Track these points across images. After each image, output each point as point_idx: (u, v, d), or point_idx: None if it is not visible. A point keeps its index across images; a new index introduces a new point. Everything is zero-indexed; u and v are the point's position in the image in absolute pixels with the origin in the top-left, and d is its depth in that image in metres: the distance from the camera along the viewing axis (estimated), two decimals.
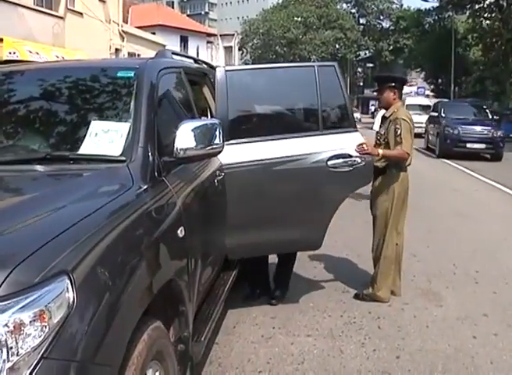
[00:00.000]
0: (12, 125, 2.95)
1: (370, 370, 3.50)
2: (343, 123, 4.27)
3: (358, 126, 4.65)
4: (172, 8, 73.39)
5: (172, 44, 34.71)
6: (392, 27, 63.29)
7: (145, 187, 2.43)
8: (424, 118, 21.29)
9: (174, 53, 3.93)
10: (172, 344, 2.52)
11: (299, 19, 60.48)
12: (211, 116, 4.16)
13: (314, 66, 4.20)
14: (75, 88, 3.11)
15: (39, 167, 2.52)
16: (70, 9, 19.55)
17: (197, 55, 35.57)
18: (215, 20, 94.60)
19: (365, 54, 67.86)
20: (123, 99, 2.97)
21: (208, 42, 46.87)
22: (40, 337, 1.53)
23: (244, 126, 4.16)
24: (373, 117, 26.64)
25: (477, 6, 35.12)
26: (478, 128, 17.06)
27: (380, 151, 4.43)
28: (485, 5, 34.67)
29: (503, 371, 3.51)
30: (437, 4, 41.07)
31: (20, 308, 1.51)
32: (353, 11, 68.20)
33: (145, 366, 2.02)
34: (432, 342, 3.91)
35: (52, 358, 1.54)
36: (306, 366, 3.55)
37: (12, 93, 3.16)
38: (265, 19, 62.41)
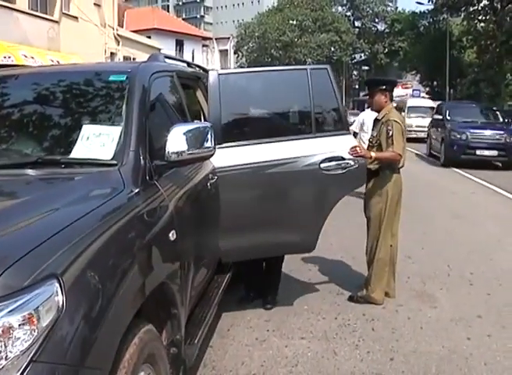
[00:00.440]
0: (3, 129, 2.95)
1: (363, 372, 3.51)
2: (335, 125, 4.29)
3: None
4: (168, 11, 73.48)
5: (168, 47, 34.74)
6: (387, 30, 63.44)
7: (136, 190, 2.43)
8: (428, 121, 19.31)
9: (167, 57, 3.94)
10: (165, 347, 2.52)
11: (294, 22, 60.57)
12: (205, 120, 4.16)
13: (306, 69, 4.22)
14: (67, 92, 3.11)
15: (30, 171, 2.53)
16: (65, 13, 19.54)
17: (193, 59, 35.63)
18: (211, 24, 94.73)
19: (360, 57, 68.00)
20: (115, 103, 2.98)
21: (203, 46, 46.86)
22: (29, 340, 1.54)
23: (237, 130, 4.17)
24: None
25: (471, 9, 35.27)
26: (489, 132, 15.14)
27: (373, 153, 4.45)
28: (480, 8, 34.81)
29: (497, 372, 3.53)
30: (432, 6, 41.20)
31: (9, 311, 1.52)
32: (349, 14, 68.32)
33: (136, 369, 2.02)
34: (426, 344, 3.92)
35: (41, 362, 1.54)
36: (300, 368, 3.56)
37: (4, 97, 3.16)
38: (261, 23, 62.48)
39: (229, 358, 3.69)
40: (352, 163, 4.10)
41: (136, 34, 29.90)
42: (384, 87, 4.73)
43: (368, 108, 10.99)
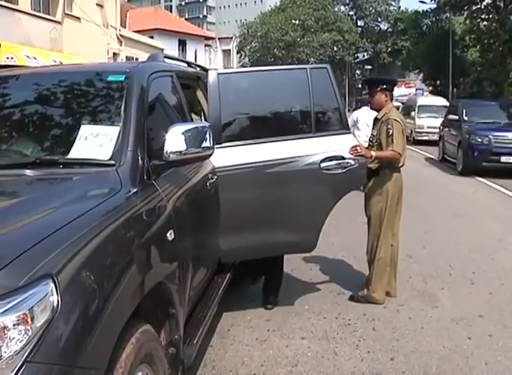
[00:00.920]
0: (2, 129, 2.95)
1: (364, 372, 3.50)
2: (335, 124, 4.27)
3: None
4: (170, 12, 73.57)
5: (171, 47, 34.76)
6: (390, 29, 63.38)
7: (134, 190, 2.43)
8: (440, 122, 16.75)
9: (166, 57, 3.94)
10: (163, 347, 2.52)
11: (297, 21, 60.60)
12: (205, 120, 4.16)
13: (306, 69, 4.20)
14: (65, 93, 3.11)
15: (28, 171, 2.53)
16: (68, 14, 19.58)
17: (195, 59, 35.64)
18: (213, 24, 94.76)
19: (363, 56, 67.97)
20: (114, 103, 2.98)
21: (206, 45, 46.88)
22: (23, 340, 1.54)
23: (237, 129, 4.17)
24: None
25: (474, 7, 35.12)
26: None
27: (373, 152, 4.44)
28: (483, 7, 34.66)
29: (498, 372, 3.51)
30: (434, 5, 41.09)
31: (3, 311, 1.52)
32: (351, 13, 68.33)
33: (133, 369, 2.02)
34: (427, 343, 3.91)
35: (35, 362, 1.54)
36: (300, 368, 3.55)
37: (3, 98, 3.16)
38: (263, 22, 62.52)
39: (229, 358, 3.69)
40: (352, 163, 4.09)
41: (139, 35, 29.97)
42: (384, 86, 4.72)
43: (360, 107, 11.00)
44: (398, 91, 41.04)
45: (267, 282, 4.69)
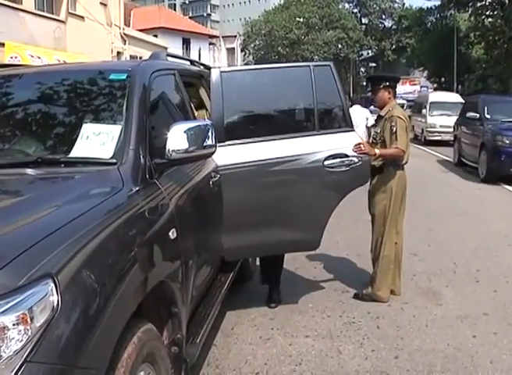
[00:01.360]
0: (3, 128, 2.95)
1: (368, 371, 3.49)
2: (339, 122, 4.25)
3: None
4: (174, 10, 73.52)
5: (175, 46, 34.76)
6: (394, 26, 63.16)
7: (136, 189, 2.42)
8: (455, 120, 15.03)
9: (169, 55, 3.93)
10: (166, 346, 2.51)
11: (301, 19, 60.39)
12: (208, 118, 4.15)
13: (309, 66, 4.18)
14: (67, 91, 3.10)
15: (30, 170, 2.52)
16: (71, 13, 19.59)
17: (199, 57, 35.63)
18: (218, 22, 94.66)
19: (368, 53, 67.69)
20: (115, 102, 2.97)
21: (210, 44, 46.87)
22: (22, 340, 1.53)
23: (240, 127, 4.15)
24: None
25: (479, 4, 35.00)
26: None
27: (377, 150, 4.43)
28: (487, 3, 34.54)
29: (503, 371, 3.49)
30: (439, 2, 41.02)
31: (3, 311, 1.51)
32: (355, 11, 68.02)
33: (135, 369, 2.01)
34: (431, 342, 3.89)
35: (35, 362, 1.54)
36: (304, 366, 3.54)
37: (5, 96, 3.15)
38: (267, 20, 62.32)
39: (232, 356, 3.68)
40: (356, 160, 4.07)
41: (143, 33, 29.96)
42: (387, 83, 4.71)
43: (354, 105, 10.96)
44: (402, 88, 40.95)
45: (265, 278, 4.70)
